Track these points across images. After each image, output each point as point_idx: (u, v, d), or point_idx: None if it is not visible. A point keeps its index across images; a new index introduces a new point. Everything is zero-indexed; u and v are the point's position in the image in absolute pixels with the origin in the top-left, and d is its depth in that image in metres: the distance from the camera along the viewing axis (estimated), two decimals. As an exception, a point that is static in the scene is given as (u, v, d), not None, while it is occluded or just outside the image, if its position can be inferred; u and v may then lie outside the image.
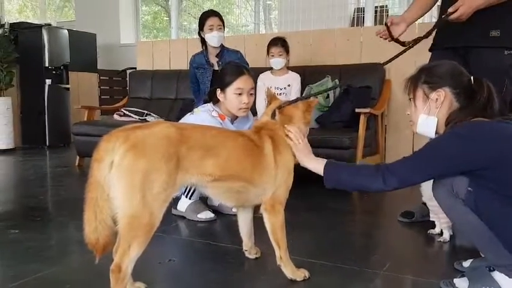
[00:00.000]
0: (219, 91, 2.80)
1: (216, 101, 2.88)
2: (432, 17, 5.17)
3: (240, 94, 2.73)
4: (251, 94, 2.79)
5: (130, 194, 1.57)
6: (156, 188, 1.60)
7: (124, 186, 1.57)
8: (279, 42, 4.28)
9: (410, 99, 1.95)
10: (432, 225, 2.61)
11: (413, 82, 1.92)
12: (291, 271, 1.96)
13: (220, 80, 2.82)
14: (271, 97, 2.19)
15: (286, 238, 1.96)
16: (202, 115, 2.83)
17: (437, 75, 1.88)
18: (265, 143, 1.95)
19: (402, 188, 1.79)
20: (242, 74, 2.74)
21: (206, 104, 2.93)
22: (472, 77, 1.86)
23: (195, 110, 2.97)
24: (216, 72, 4.21)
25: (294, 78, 4.34)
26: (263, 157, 1.92)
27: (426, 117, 1.88)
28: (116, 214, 1.59)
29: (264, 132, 2.00)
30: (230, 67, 2.87)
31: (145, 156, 1.59)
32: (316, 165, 1.92)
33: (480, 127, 1.73)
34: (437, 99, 1.84)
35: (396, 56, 2.45)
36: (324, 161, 1.92)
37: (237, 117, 2.89)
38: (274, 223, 1.95)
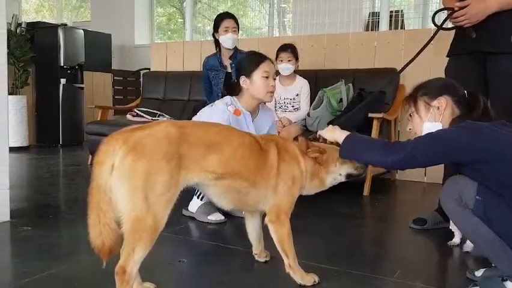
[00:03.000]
0: (243, 78, 2.79)
1: (236, 93, 2.88)
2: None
3: (267, 77, 2.75)
4: (274, 79, 2.82)
5: (132, 197, 1.56)
6: (158, 189, 1.59)
7: (126, 189, 1.56)
8: (289, 48, 4.33)
9: (410, 115, 1.98)
10: (450, 234, 2.56)
11: (412, 97, 1.96)
12: (300, 277, 1.94)
13: (245, 68, 2.82)
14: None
15: (293, 245, 1.94)
16: (218, 107, 2.84)
17: (434, 87, 1.93)
18: (271, 148, 1.93)
19: (412, 167, 1.81)
20: (266, 59, 2.79)
21: (226, 97, 2.93)
22: (465, 91, 1.91)
23: (216, 101, 2.99)
24: (229, 74, 4.22)
25: (302, 86, 4.39)
26: (267, 160, 1.90)
27: (432, 125, 1.89)
28: (120, 217, 1.58)
29: (272, 140, 1.99)
30: (252, 54, 2.92)
31: (145, 158, 1.57)
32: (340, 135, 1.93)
33: (480, 125, 1.74)
34: (438, 107, 1.88)
35: (411, 61, 2.46)
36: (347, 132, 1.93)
37: (257, 112, 2.91)
38: (281, 234, 1.93)
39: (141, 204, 1.56)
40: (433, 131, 1.83)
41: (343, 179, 2.04)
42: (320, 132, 2.05)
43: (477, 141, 1.68)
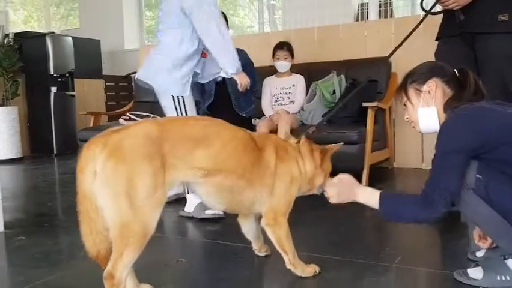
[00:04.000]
0: None
1: None
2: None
3: None
4: None
5: (116, 203, 1.49)
6: (143, 193, 1.51)
7: (110, 195, 1.49)
8: (285, 46, 4.37)
9: (404, 104, 1.95)
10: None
11: (402, 87, 1.93)
12: (301, 270, 1.91)
13: None
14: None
15: (293, 238, 1.91)
16: None
17: (421, 72, 1.90)
18: (267, 147, 1.85)
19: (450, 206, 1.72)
20: None
21: None
22: (455, 69, 1.87)
23: None
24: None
25: (298, 80, 4.42)
26: (263, 159, 1.81)
27: (426, 110, 1.86)
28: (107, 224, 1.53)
29: (268, 139, 1.92)
30: None
31: (125, 161, 1.50)
32: (369, 198, 1.83)
33: (480, 107, 1.71)
34: (429, 90, 1.84)
35: (399, 46, 2.45)
36: (375, 191, 1.83)
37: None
38: (279, 235, 1.88)
39: (126, 210, 1.49)
40: (429, 116, 1.83)
41: (316, 192, 2.02)
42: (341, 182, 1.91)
43: (481, 132, 1.65)
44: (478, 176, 1.67)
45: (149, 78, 2.98)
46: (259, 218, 1.99)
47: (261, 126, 4.09)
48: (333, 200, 1.91)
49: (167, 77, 2.90)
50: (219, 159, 1.70)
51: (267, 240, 2.16)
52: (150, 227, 1.55)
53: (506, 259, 1.72)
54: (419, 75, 1.89)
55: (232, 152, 1.74)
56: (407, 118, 1.97)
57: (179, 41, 2.88)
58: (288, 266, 1.91)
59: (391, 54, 2.65)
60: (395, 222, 1.82)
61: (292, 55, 4.37)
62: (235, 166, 1.74)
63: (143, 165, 1.52)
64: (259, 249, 2.18)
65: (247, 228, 2.13)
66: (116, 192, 1.49)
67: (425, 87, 1.85)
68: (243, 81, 3.03)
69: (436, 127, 1.83)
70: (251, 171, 1.77)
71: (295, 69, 4.47)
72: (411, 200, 1.77)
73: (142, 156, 1.53)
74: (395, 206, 1.80)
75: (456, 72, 1.86)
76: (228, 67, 2.92)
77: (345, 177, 1.90)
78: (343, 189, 1.89)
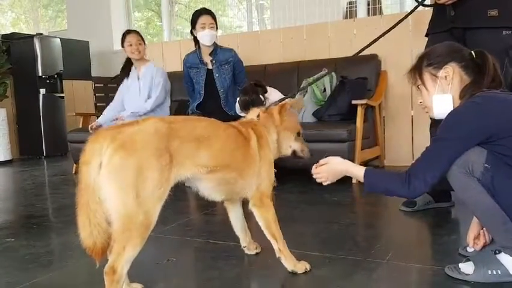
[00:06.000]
0: None
1: None
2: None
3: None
4: None
5: (122, 194, 1.51)
6: (149, 186, 1.55)
7: (116, 187, 1.51)
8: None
9: (418, 87, 1.89)
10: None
11: (417, 69, 1.87)
12: (292, 263, 1.92)
13: None
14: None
15: (284, 235, 1.94)
16: None
17: (438, 55, 1.83)
18: (251, 136, 1.95)
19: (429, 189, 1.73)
20: None
21: None
22: (472, 51, 1.80)
23: None
24: (210, 71, 4.18)
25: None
26: (251, 149, 1.92)
27: (441, 97, 1.80)
28: (109, 216, 1.54)
29: (249, 127, 2.00)
30: None
31: (135, 154, 1.53)
32: (358, 171, 1.89)
33: (492, 96, 1.68)
34: (446, 76, 1.78)
35: (385, 33, 2.45)
36: (360, 167, 1.89)
37: None
38: (267, 217, 1.93)
39: (132, 201, 1.51)
40: (444, 104, 1.78)
41: (288, 153, 2.10)
42: (329, 162, 1.96)
43: (488, 123, 1.63)
44: (486, 165, 1.63)
45: None
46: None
47: None
48: (324, 182, 1.97)
49: None
50: (219, 157, 1.80)
51: (255, 236, 2.16)
52: (153, 219, 1.59)
53: (497, 253, 1.72)
54: (435, 59, 1.82)
55: (229, 149, 1.85)
56: (421, 102, 1.91)
57: None
58: (278, 254, 1.93)
59: (375, 41, 2.65)
60: (376, 194, 1.85)
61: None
62: (232, 162, 1.85)
63: (152, 160, 1.56)
64: (248, 246, 2.17)
65: (234, 217, 2.16)
66: (123, 184, 1.51)
67: (441, 73, 1.79)
68: None
69: None
70: (244, 163, 1.89)
71: (285, 67, 4.45)
72: (395, 176, 1.78)
73: (151, 152, 1.57)
74: (379, 179, 1.85)
75: (473, 54, 1.79)
76: None
77: (331, 158, 1.95)
78: (331, 170, 1.94)
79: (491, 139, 1.62)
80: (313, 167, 1.98)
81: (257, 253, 2.17)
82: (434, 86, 1.82)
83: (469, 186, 1.67)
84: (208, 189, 1.87)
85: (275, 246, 1.93)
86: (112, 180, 1.52)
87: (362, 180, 1.85)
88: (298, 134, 2.11)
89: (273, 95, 4.06)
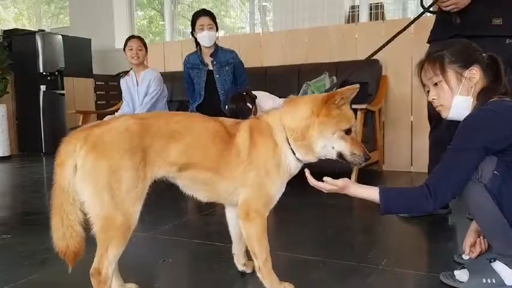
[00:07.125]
0: None
1: None
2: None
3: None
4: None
5: (98, 196, 1.50)
6: (124, 186, 1.51)
7: (91, 189, 1.50)
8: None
9: (436, 83, 1.79)
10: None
11: (439, 64, 1.77)
12: (270, 284, 1.74)
13: None
14: None
15: (268, 249, 1.73)
16: None
17: (462, 52, 1.77)
18: (240, 131, 1.71)
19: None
20: None
21: None
22: (484, 54, 1.77)
23: None
24: (210, 72, 4.18)
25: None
26: (232, 146, 1.68)
27: (463, 99, 1.75)
28: (86, 219, 1.53)
29: (241, 123, 1.76)
30: None
31: (106, 155, 1.50)
32: (368, 194, 1.74)
33: (506, 104, 1.66)
34: (471, 77, 1.74)
35: (380, 49, 2.43)
36: (374, 188, 1.74)
37: None
38: (249, 234, 1.71)
39: (108, 203, 1.50)
40: (463, 107, 1.73)
41: (333, 156, 1.69)
42: (337, 185, 1.75)
43: (504, 134, 1.61)
44: (495, 172, 1.61)
45: None
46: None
47: None
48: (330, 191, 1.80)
49: None
50: (188, 154, 1.65)
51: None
52: (132, 219, 1.55)
53: (492, 262, 1.72)
54: (460, 56, 1.75)
55: (201, 145, 1.68)
56: (434, 99, 1.82)
57: None
58: (257, 273, 1.75)
59: (380, 48, 2.63)
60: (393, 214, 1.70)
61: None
62: (202, 159, 1.67)
63: (125, 160, 1.52)
64: (237, 256, 2.00)
65: (233, 223, 1.98)
66: (98, 186, 1.50)
67: (467, 73, 1.74)
68: None
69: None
70: (219, 162, 1.68)
71: (286, 70, 4.45)
72: (415, 191, 1.69)
73: (123, 151, 1.53)
74: (396, 197, 1.72)
75: (485, 58, 1.75)
76: None
77: (342, 182, 1.75)
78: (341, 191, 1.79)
79: (504, 148, 1.61)
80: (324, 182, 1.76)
81: (243, 272, 2.00)
82: (458, 85, 1.75)
83: (474, 190, 1.66)
84: (186, 188, 1.75)
85: (255, 262, 1.75)
86: (87, 182, 1.50)
87: (375, 201, 1.70)
88: (347, 131, 1.67)
89: (264, 99, 4.06)
